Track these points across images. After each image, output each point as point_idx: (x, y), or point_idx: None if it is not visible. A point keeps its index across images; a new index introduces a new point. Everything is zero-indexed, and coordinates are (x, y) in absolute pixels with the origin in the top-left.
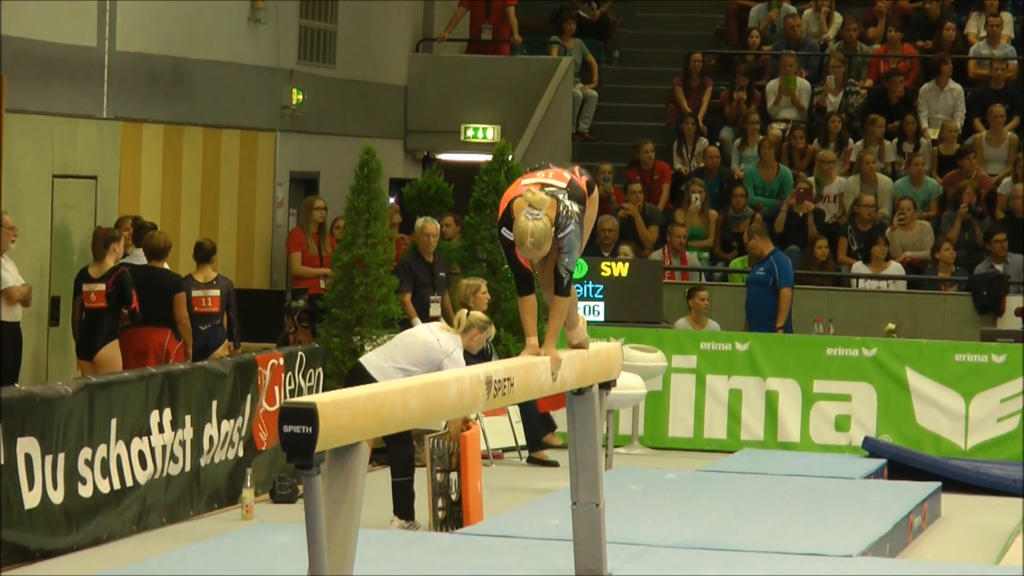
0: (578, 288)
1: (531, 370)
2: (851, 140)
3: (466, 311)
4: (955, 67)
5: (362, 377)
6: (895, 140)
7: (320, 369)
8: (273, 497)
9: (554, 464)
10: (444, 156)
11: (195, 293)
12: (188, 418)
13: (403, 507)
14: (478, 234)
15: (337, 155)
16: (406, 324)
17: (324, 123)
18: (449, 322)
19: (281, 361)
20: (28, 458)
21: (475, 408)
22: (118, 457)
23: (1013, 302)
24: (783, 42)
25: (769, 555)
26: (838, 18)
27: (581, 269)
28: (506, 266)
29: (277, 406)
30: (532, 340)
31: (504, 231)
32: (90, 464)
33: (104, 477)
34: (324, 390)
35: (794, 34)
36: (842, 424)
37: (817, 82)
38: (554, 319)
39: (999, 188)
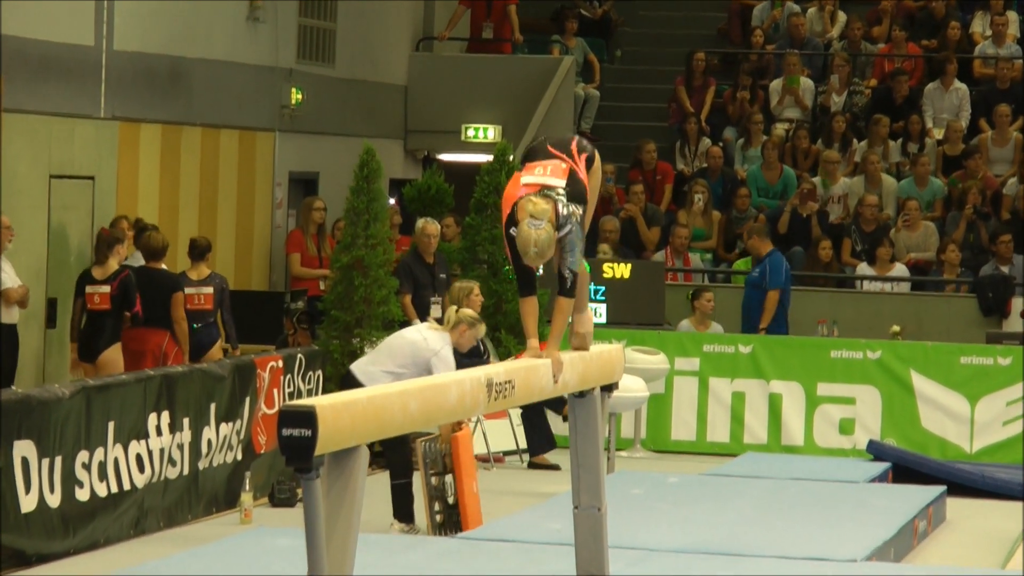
0: None
1: (532, 373)
2: (855, 140)
3: (455, 308)
4: (960, 67)
5: (352, 384)
6: (900, 140)
7: (319, 371)
8: (272, 501)
9: (555, 468)
10: (445, 156)
11: (188, 290)
12: (186, 421)
13: (403, 510)
14: (479, 235)
15: (337, 155)
16: (406, 326)
17: (323, 123)
18: None
19: (280, 363)
20: (25, 461)
21: (476, 411)
22: (115, 460)
23: (1019, 304)
24: (787, 41)
25: (773, 560)
26: (842, 17)
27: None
28: (507, 267)
29: (276, 409)
30: (533, 342)
31: (512, 231)
32: (87, 467)
33: (101, 480)
34: (324, 393)
35: (798, 33)
36: (846, 427)
37: (821, 82)
38: (558, 321)
39: (1005, 189)
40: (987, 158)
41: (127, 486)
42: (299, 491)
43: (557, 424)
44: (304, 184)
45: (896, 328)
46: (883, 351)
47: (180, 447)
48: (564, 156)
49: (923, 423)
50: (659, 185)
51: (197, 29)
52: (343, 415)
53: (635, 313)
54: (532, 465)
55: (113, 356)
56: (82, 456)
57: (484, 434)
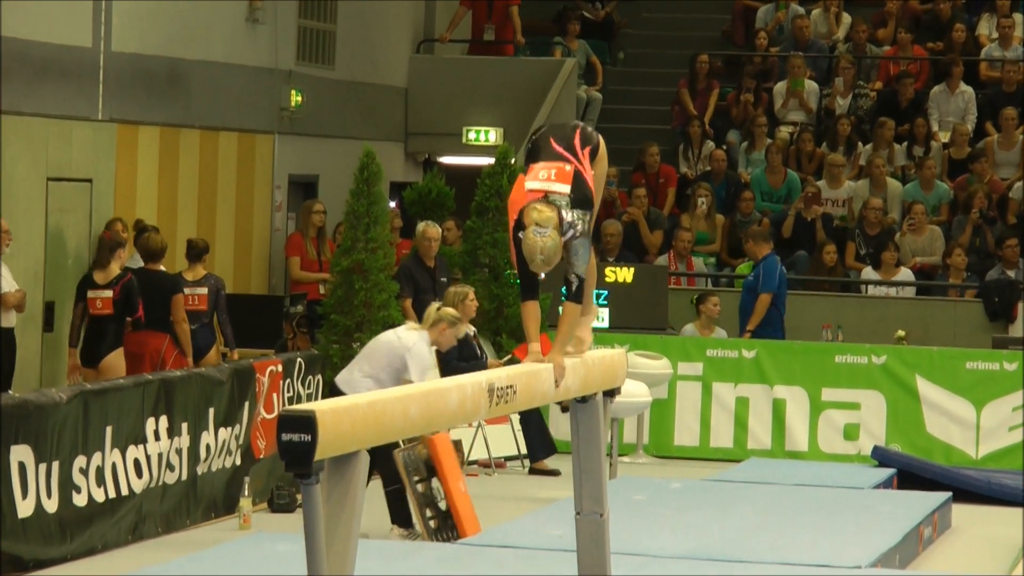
0: None
1: (534, 378)
2: (860, 143)
3: (435, 306)
4: (966, 69)
5: (336, 396)
6: (905, 143)
7: (319, 376)
8: (271, 506)
9: (556, 473)
10: (445, 159)
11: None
12: (185, 426)
13: (400, 515)
14: (480, 239)
15: (337, 158)
16: None
17: (323, 125)
18: None
19: (279, 368)
20: (22, 466)
21: (477, 416)
22: (113, 465)
23: None
24: (791, 43)
25: (776, 566)
26: (847, 19)
27: None
28: (509, 271)
29: (275, 414)
30: (535, 346)
31: (520, 234)
32: (85, 472)
33: (99, 486)
34: (323, 397)
35: (802, 35)
36: (851, 433)
37: (825, 84)
38: (563, 326)
39: (1011, 192)
40: (993, 161)
41: (125, 491)
42: (299, 496)
43: (561, 424)
44: (304, 187)
45: (901, 333)
46: (888, 356)
47: (178, 452)
48: (568, 155)
49: (928, 429)
50: (662, 188)
51: (196, 30)
52: (343, 420)
53: (638, 317)
54: (533, 471)
55: (115, 361)
56: (80, 461)
57: (485, 439)
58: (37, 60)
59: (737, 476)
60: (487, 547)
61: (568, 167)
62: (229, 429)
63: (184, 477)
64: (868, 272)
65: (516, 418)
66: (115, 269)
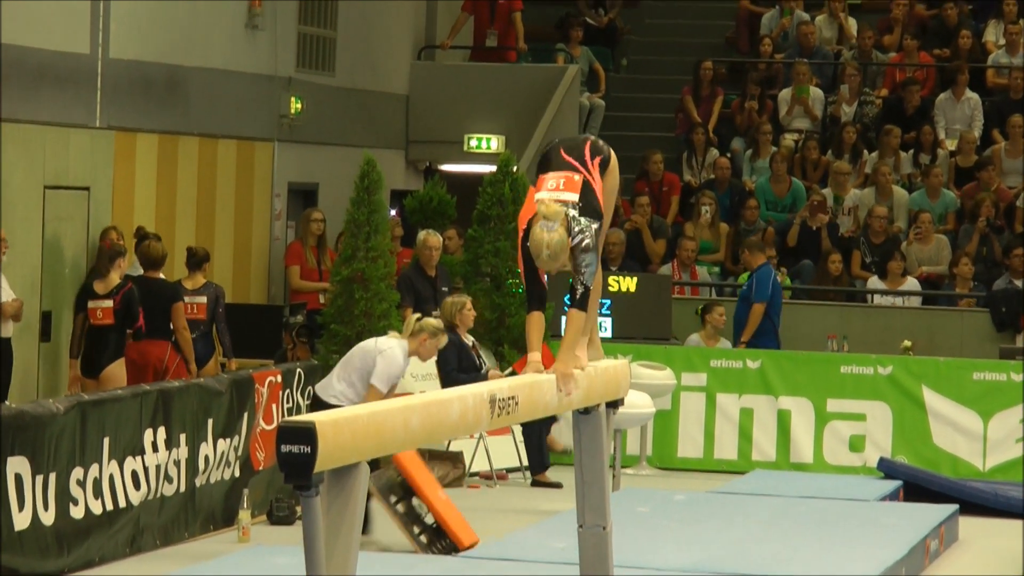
0: None
1: (536, 389)
2: (866, 151)
3: (416, 316)
4: (973, 76)
5: (316, 403)
6: (911, 151)
7: None
8: (270, 519)
9: (558, 485)
10: (447, 167)
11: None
12: (183, 437)
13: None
14: (481, 247)
15: (337, 166)
16: None
17: (323, 133)
18: None
19: (279, 378)
20: (18, 478)
21: (478, 427)
22: (111, 477)
23: None
24: (796, 50)
25: None
26: (853, 24)
27: None
28: (511, 280)
29: (275, 425)
30: (535, 355)
31: (529, 243)
32: (82, 484)
33: (96, 498)
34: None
35: (807, 42)
36: (856, 444)
37: (831, 91)
38: (569, 333)
39: (1018, 201)
40: (1000, 170)
41: (122, 503)
42: (298, 508)
43: (563, 439)
44: (303, 195)
45: (907, 343)
46: (894, 367)
47: (177, 463)
48: (578, 165)
49: (935, 440)
50: (666, 196)
51: (194, 37)
52: (343, 431)
53: (641, 327)
54: (535, 482)
55: (116, 371)
56: (77, 473)
57: (487, 451)
58: (34, 67)
59: (741, 488)
60: (489, 560)
61: (577, 176)
62: (228, 440)
63: (182, 489)
64: (874, 281)
65: (519, 430)
66: (115, 278)
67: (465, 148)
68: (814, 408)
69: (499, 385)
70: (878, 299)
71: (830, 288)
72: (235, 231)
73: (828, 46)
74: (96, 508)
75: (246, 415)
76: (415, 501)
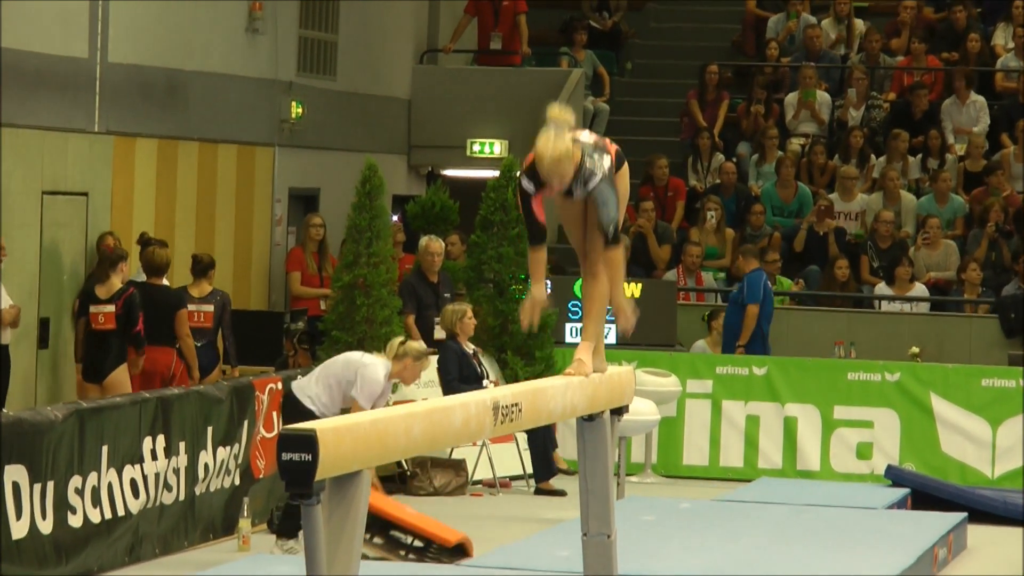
0: None
1: (540, 395)
2: (873, 156)
3: (400, 340)
4: (981, 80)
5: (290, 401)
6: (919, 156)
7: None
8: (271, 527)
9: (562, 493)
10: (449, 172)
11: (188, 307)
12: (182, 445)
13: (290, 529)
14: (485, 253)
15: (338, 171)
16: None
17: (324, 137)
18: None
19: (279, 385)
20: (16, 487)
21: (481, 435)
22: (109, 485)
23: None
24: (802, 54)
25: None
26: (860, 27)
27: None
28: (514, 287)
29: (275, 433)
30: (537, 288)
31: (524, 180)
32: (80, 493)
33: (95, 506)
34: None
35: (814, 45)
36: (864, 452)
37: (838, 95)
38: (614, 271)
39: None
40: (1009, 174)
41: (121, 512)
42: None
43: (566, 449)
44: (304, 200)
45: (915, 349)
46: (902, 373)
47: (176, 472)
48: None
49: (943, 447)
50: (671, 202)
51: (194, 40)
52: (345, 439)
53: (646, 334)
54: (539, 491)
55: (121, 377)
56: (75, 481)
57: (490, 458)
58: (32, 71)
59: (747, 496)
60: (492, 569)
61: (585, 134)
62: (228, 448)
63: (182, 497)
64: (882, 287)
65: (522, 437)
66: (117, 283)
67: (468, 153)
68: (821, 415)
69: (502, 392)
70: (886, 305)
71: (837, 294)
72: (235, 237)
73: (835, 50)
74: (95, 517)
75: (246, 423)
76: (391, 533)
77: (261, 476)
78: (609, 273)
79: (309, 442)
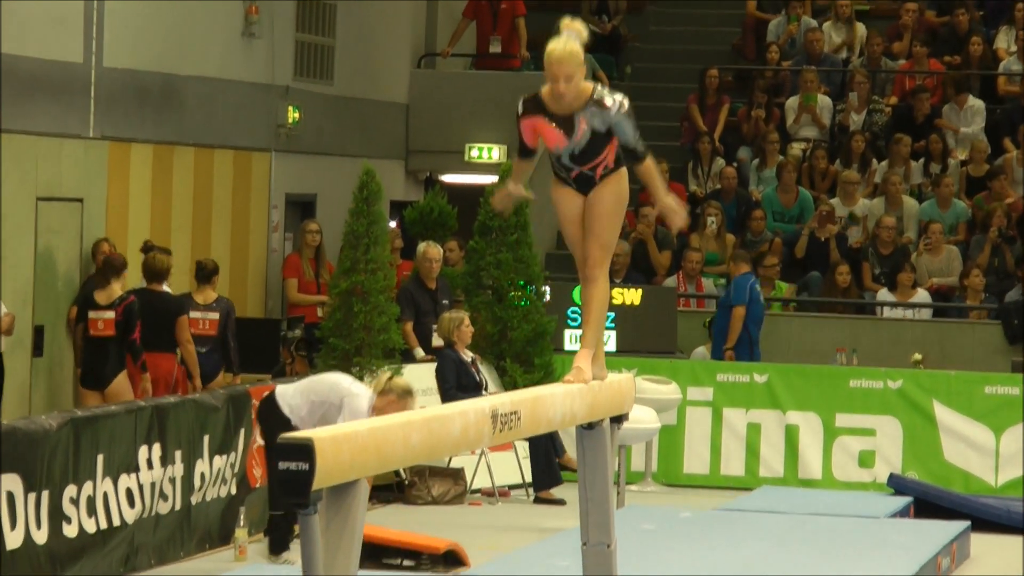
0: None
1: (539, 403)
2: (875, 160)
3: (388, 374)
4: (984, 84)
5: (269, 404)
6: (921, 160)
7: None
8: (268, 537)
9: (562, 502)
10: (447, 177)
11: (192, 314)
12: (178, 454)
13: (279, 542)
14: (483, 259)
15: (335, 176)
16: (407, 354)
17: (321, 143)
18: None
19: None
20: (10, 496)
21: (480, 443)
22: (105, 495)
23: None
24: (803, 57)
25: None
26: (861, 29)
27: None
28: (512, 293)
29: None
30: (515, 186)
31: (520, 104)
32: (75, 502)
33: (90, 516)
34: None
35: (815, 49)
36: (866, 460)
37: (839, 99)
38: (654, 180)
39: None
40: (1012, 179)
41: (117, 522)
42: (296, 527)
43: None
44: (301, 206)
45: (918, 356)
46: (904, 380)
47: (172, 481)
48: None
49: (946, 455)
50: None
51: (190, 45)
52: (342, 448)
53: (646, 341)
54: (538, 500)
55: (123, 384)
56: (70, 490)
57: (489, 467)
58: (26, 76)
59: (749, 505)
60: None
61: None
62: (224, 457)
63: (178, 507)
64: (884, 293)
65: (521, 445)
66: (117, 289)
67: (466, 158)
68: (823, 423)
69: (501, 400)
70: (888, 311)
71: (839, 300)
72: (232, 243)
73: (836, 52)
74: (90, 526)
75: (243, 431)
76: (383, 560)
77: (258, 485)
78: (647, 180)
79: (306, 451)
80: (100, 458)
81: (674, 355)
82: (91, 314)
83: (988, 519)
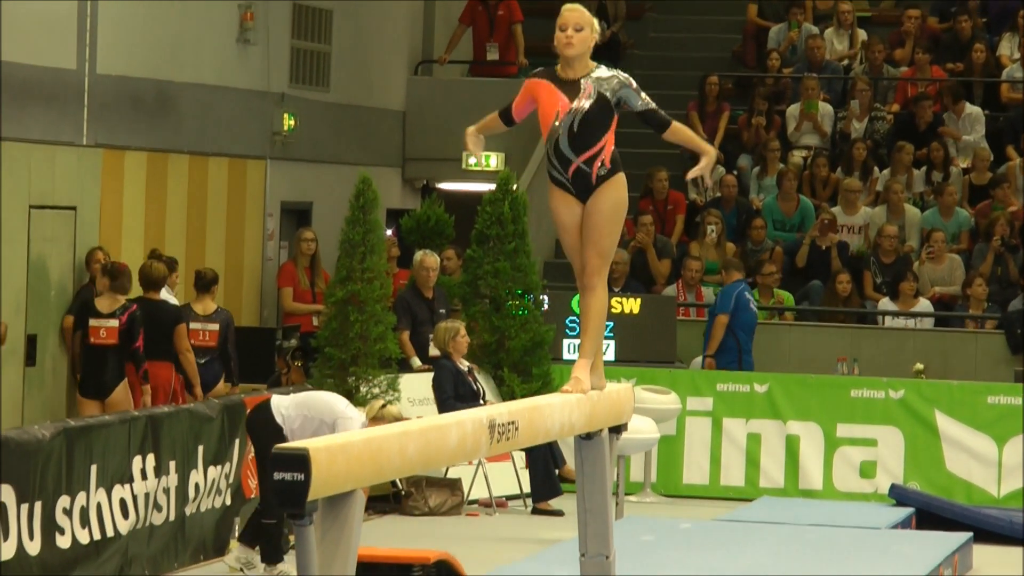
0: None
1: (537, 413)
2: (877, 168)
3: (380, 403)
4: (987, 91)
5: (262, 411)
6: (923, 168)
7: None
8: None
9: (560, 513)
10: (444, 185)
11: (192, 325)
12: (172, 464)
13: (273, 551)
14: (480, 268)
15: (331, 184)
16: (404, 364)
17: (317, 150)
18: None
19: None
20: (3, 507)
21: (477, 453)
22: (98, 505)
23: None
24: (804, 64)
25: None
26: (863, 36)
27: None
28: (510, 302)
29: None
30: (477, 128)
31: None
32: (68, 513)
33: (83, 527)
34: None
35: (816, 56)
36: (867, 471)
37: (840, 107)
38: (686, 135)
39: None
40: (1015, 187)
41: (110, 533)
42: (291, 538)
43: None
44: (297, 215)
45: (920, 366)
46: (906, 390)
47: (166, 491)
48: None
49: (948, 466)
50: (670, 215)
51: (185, 52)
52: (338, 458)
53: (645, 350)
54: (536, 511)
55: (124, 394)
56: (63, 501)
57: (486, 477)
58: (19, 83)
59: (749, 516)
60: None
61: None
62: (219, 467)
63: (172, 518)
64: (885, 303)
65: (519, 456)
66: (119, 298)
67: (463, 166)
68: (823, 433)
69: (499, 410)
70: (889, 321)
71: (840, 310)
72: (226, 252)
73: (838, 60)
74: (83, 538)
75: (238, 441)
76: None
77: (253, 496)
78: (683, 139)
79: (302, 461)
80: (94, 468)
81: (673, 365)
82: (92, 322)
83: (991, 530)
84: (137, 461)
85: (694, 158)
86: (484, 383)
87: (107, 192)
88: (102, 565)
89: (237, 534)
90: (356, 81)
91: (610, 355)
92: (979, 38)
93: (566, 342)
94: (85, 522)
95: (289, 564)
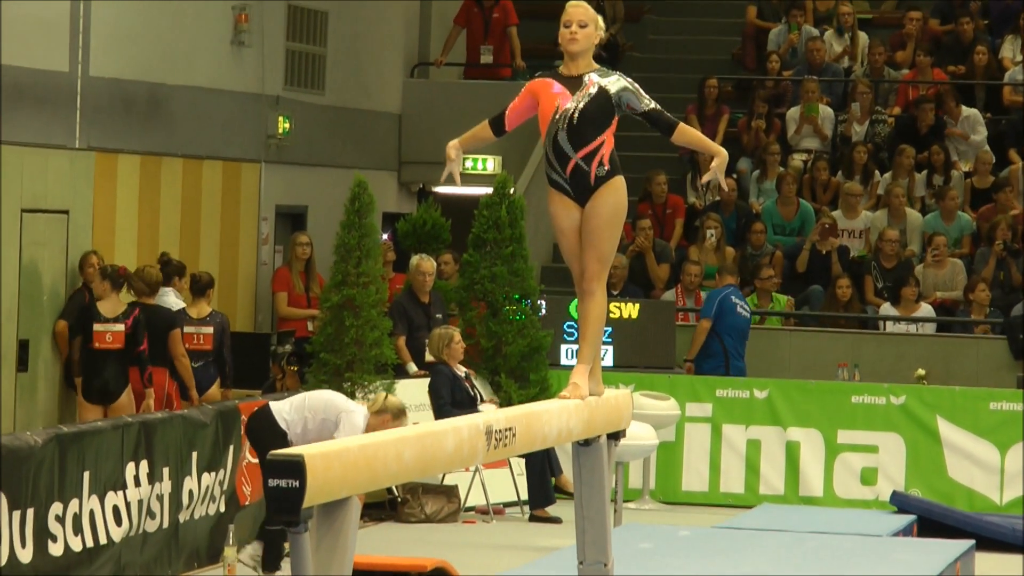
0: None
1: (534, 419)
2: (878, 172)
3: (384, 394)
4: (989, 94)
5: (264, 416)
6: (925, 172)
7: None
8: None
9: (558, 521)
10: (441, 189)
11: (187, 329)
12: (166, 471)
13: (272, 558)
14: (477, 273)
15: (326, 188)
16: (400, 369)
17: (312, 153)
18: None
19: None
20: None
21: (474, 460)
22: (91, 513)
23: None
24: (804, 67)
25: None
26: (863, 38)
27: None
28: (507, 307)
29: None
30: (458, 141)
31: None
32: (61, 520)
33: (76, 534)
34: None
35: (816, 58)
36: (868, 477)
37: (841, 110)
38: (695, 137)
39: None
40: (1018, 191)
41: (103, 540)
42: (286, 545)
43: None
44: (292, 218)
45: (921, 372)
46: (907, 396)
47: (160, 498)
48: None
49: (950, 472)
50: (669, 219)
51: (178, 54)
52: (333, 464)
53: (644, 355)
54: (533, 518)
55: (129, 401)
56: (56, 508)
57: (483, 484)
58: (10, 85)
59: (748, 523)
60: None
61: None
62: (213, 474)
63: (165, 525)
64: (886, 308)
65: (516, 462)
66: (122, 302)
67: (460, 169)
68: (824, 439)
69: (495, 416)
70: (891, 326)
71: (841, 315)
72: (220, 256)
73: (838, 62)
74: (76, 545)
75: (232, 448)
76: None
77: (247, 502)
78: (692, 141)
79: (297, 467)
80: (86, 475)
81: (672, 370)
82: (97, 327)
83: (993, 538)
84: (130, 467)
85: (693, 161)
86: (481, 389)
87: (100, 196)
88: (95, 573)
89: (231, 540)
90: (351, 84)
91: (608, 360)
92: (981, 40)
93: (564, 347)
94: (78, 529)
95: (286, 572)
